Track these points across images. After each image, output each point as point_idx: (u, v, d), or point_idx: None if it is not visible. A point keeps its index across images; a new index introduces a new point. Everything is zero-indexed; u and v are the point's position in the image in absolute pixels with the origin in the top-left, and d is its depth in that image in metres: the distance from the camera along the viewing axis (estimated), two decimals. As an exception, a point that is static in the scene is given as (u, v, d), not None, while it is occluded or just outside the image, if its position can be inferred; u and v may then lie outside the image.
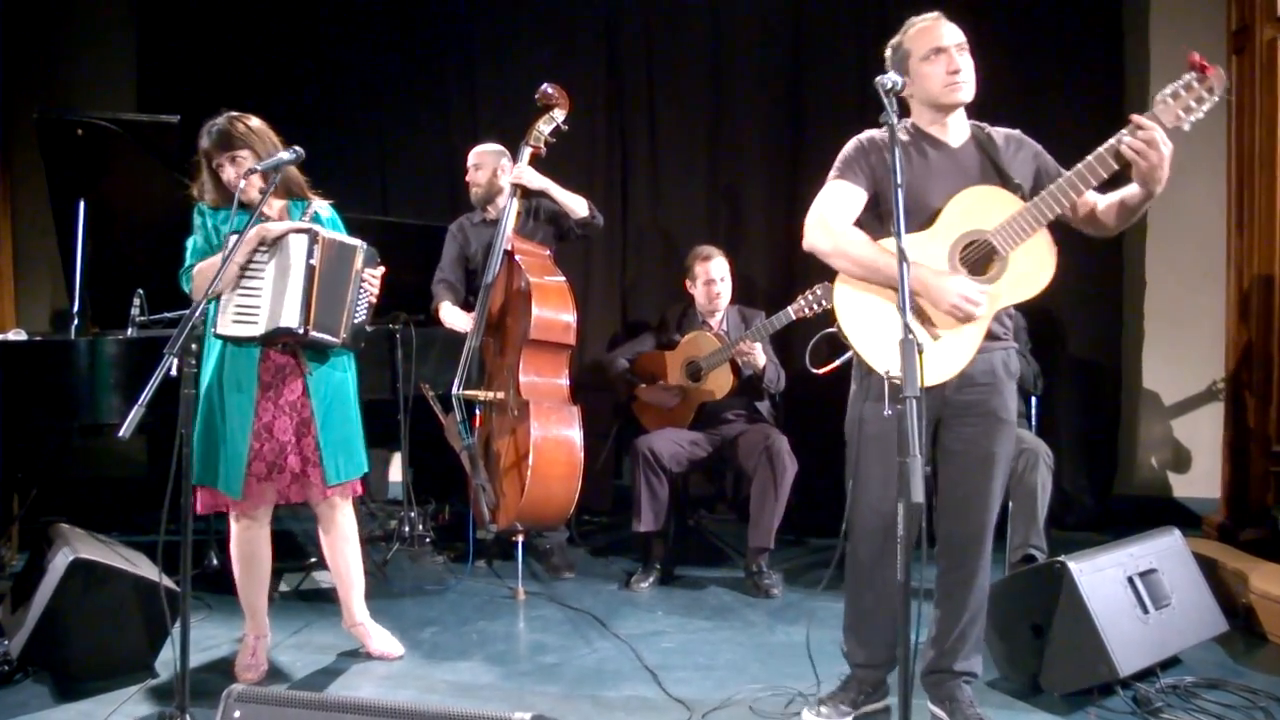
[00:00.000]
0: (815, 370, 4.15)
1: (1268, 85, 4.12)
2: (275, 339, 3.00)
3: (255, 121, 3.06)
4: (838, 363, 4.01)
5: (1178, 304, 5.01)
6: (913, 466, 1.93)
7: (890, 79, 2.33)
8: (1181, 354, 4.99)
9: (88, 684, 3.00)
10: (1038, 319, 4.57)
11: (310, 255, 2.95)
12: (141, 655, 3.10)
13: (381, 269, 3.19)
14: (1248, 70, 4.22)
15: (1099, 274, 4.97)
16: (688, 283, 4.43)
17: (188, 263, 3.03)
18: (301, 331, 2.94)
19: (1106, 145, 2.40)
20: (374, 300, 3.17)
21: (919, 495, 1.93)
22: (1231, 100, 4.32)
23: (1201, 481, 4.92)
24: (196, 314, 2.46)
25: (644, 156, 5.41)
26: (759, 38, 5.26)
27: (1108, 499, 4.99)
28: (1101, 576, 2.91)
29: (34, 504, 4.24)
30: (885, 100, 2.33)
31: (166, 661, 3.04)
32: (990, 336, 2.54)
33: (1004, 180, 2.57)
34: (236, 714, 1.91)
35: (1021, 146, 2.67)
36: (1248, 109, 4.23)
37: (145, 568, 3.16)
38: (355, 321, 3.09)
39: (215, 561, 4.11)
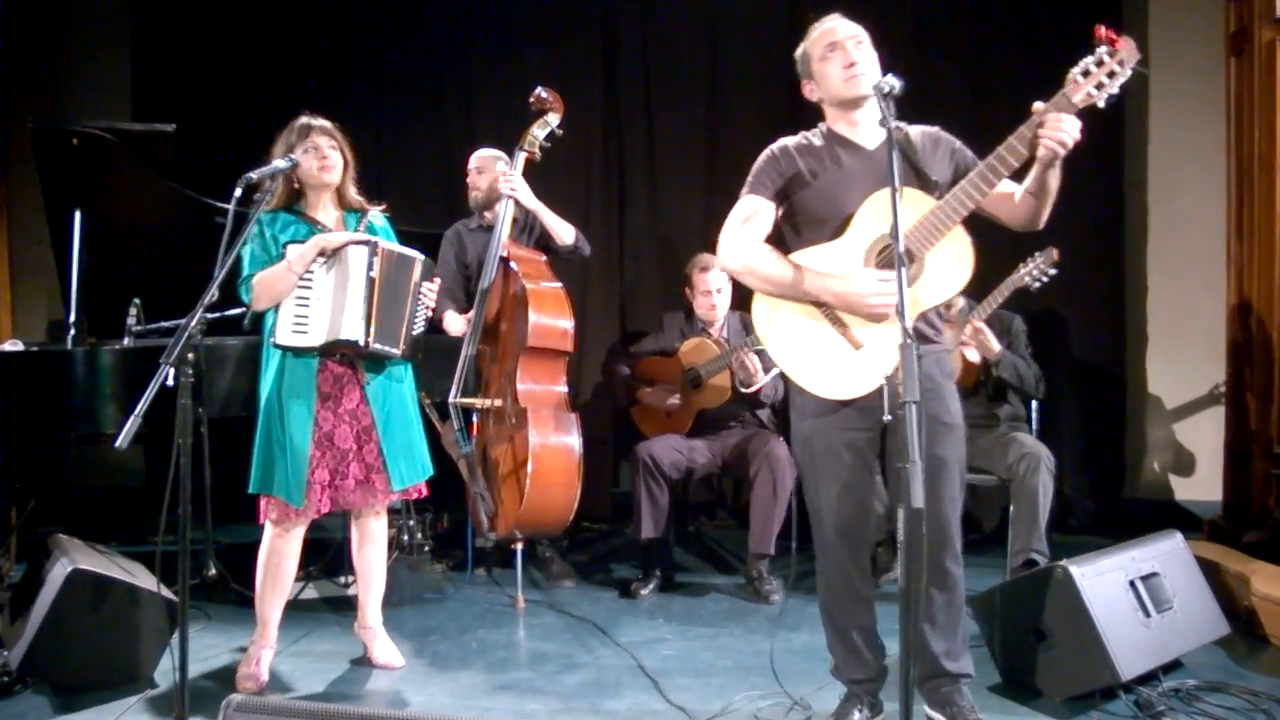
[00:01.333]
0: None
1: (1266, 88, 4.08)
2: (334, 349, 3.04)
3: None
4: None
5: (1179, 307, 5.01)
6: (912, 472, 1.91)
7: (888, 82, 2.27)
8: (1183, 357, 4.99)
9: (87, 694, 2.99)
10: (1040, 323, 4.57)
11: (370, 267, 3.01)
12: (140, 665, 3.09)
13: (438, 281, 3.25)
14: (1246, 73, 4.19)
15: (1100, 278, 4.97)
16: (687, 291, 4.41)
17: (246, 272, 3.02)
18: (363, 344, 2.99)
19: (1017, 134, 2.33)
20: (430, 313, 3.23)
21: (919, 500, 1.91)
22: (1230, 103, 4.31)
23: (1203, 484, 4.91)
24: (192, 324, 2.46)
25: (641, 162, 5.41)
26: (756, 43, 5.25)
27: (1110, 503, 4.98)
28: (1103, 580, 2.91)
29: (32, 515, 4.22)
30: (882, 104, 2.29)
31: (165, 671, 3.04)
32: (920, 339, 2.46)
33: (921, 180, 2.51)
34: (234, 724, 1.90)
35: (939, 144, 2.61)
36: (1247, 112, 4.20)
37: (144, 578, 3.16)
38: (414, 333, 3.14)
39: (214, 571, 4.10)
